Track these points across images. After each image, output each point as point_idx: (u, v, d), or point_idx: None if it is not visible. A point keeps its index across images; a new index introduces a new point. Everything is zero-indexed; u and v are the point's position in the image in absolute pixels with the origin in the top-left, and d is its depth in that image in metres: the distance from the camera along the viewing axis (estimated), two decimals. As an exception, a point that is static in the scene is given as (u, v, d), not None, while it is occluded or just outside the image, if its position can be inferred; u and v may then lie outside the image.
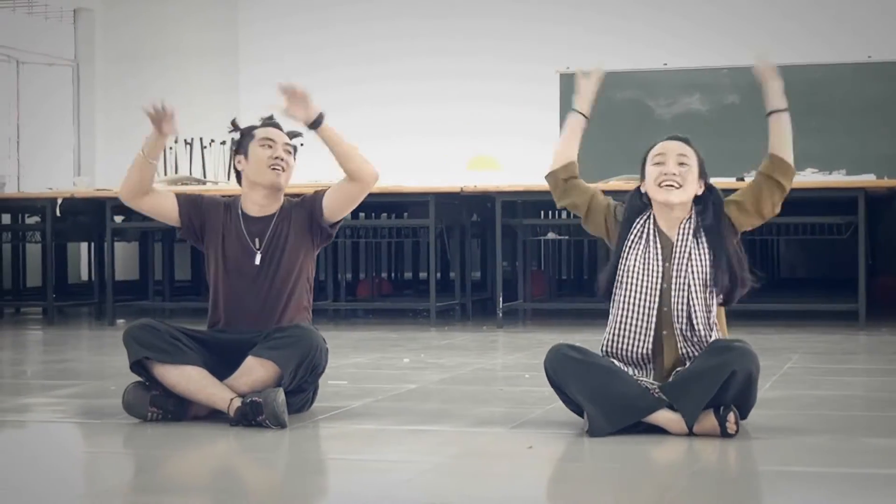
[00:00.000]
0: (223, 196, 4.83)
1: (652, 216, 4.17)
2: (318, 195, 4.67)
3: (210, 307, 4.69)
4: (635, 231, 4.16)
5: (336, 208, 4.65)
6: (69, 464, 3.99)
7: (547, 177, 4.37)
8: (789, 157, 4.22)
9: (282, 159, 4.59)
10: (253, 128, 4.69)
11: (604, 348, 4.14)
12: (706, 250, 4.09)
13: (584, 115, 4.39)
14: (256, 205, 4.64)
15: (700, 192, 4.14)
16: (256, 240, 4.60)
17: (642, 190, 4.18)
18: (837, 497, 3.21)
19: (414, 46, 11.67)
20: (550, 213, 10.23)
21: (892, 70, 10.60)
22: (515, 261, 9.36)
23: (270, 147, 4.59)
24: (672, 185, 4.09)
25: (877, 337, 7.55)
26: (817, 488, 3.32)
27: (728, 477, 3.62)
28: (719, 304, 4.10)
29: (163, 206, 4.67)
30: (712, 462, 3.68)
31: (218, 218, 4.66)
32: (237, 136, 4.73)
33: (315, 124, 4.48)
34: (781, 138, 4.24)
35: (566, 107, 12.04)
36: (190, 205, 4.68)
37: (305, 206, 4.66)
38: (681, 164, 4.12)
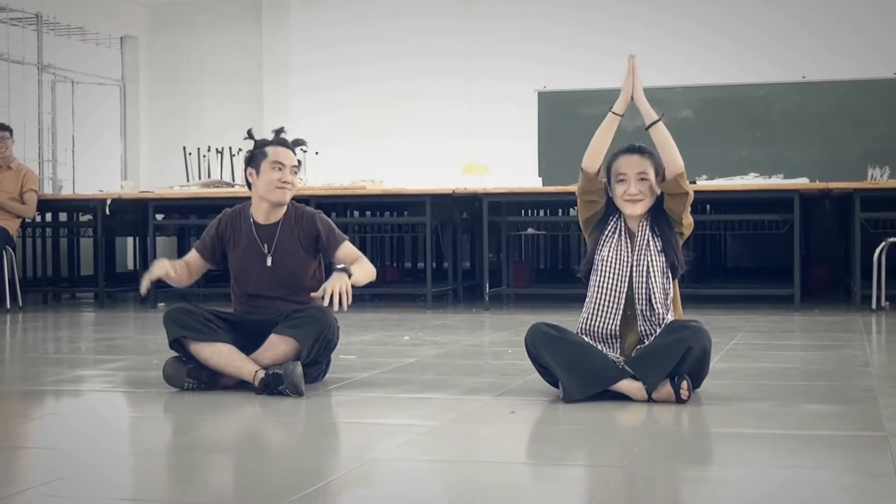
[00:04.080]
0: (232, 206, 4.78)
1: (621, 215, 4.17)
2: (331, 239, 4.56)
3: (232, 296, 4.69)
4: (609, 227, 4.17)
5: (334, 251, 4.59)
6: (117, 426, 4.00)
7: (582, 171, 4.15)
8: (677, 166, 4.04)
9: (289, 182, 4.55)
10: (265, 143, 4.63)
11: (580, 326, 4.14)
12: (659, 240, 4.11)
13: (617, 114, 4.14)
14: (264, 214, 4.62)
15: (659, 192, 4.13)
16: (266, 245, 4.58)
17: (610, 195, 4.17)
18: (776, 454, 3.22)
19: (419, 70, 11.71)
20: (530, 211, 10.24)
21: (823, 88, 10.63)
22: (500, 252, 9.36)
23: (280, 170, 4.55)
24: (635, 202, 4.09)
25: (810, 317, 7.56)
26: (759, 447, 3.32)
27: (683, 437, 3.62)
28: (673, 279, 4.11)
29: (199, 268, 4.73)
30: (669, 424, 3.68)
31: (231, 230, 4.66)
32: (251, 145, 4.68)
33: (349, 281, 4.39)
34: (665, 150, 4.05)
35: (543, 120, 12.15)
36: (209, 246, 4.69)
37: (313, 232, 4.57)
38: (641, 179, 4.08)
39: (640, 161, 4.11)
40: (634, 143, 4.17)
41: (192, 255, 4.74)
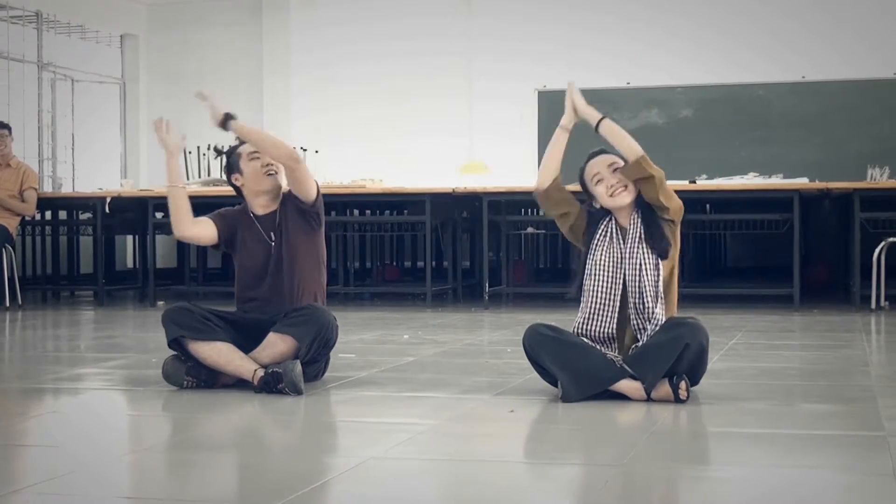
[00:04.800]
0: (232, 206, 4.81)
1: (612, 217, 4.18)
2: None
3: (238, 291, 4.69)
4: (600, 231, 4.18)
5: (298, 190, 4.60)
6: (116, 424, 4.00)
7: (536, 195, 4.27)
8: (634, 150, 4.06)
9: (272, 165, 4.59)
10: (234, 148, 4.70)
11: (575, 329, 4.14)
12: (647, 228, 4.11)
13: (566, 129, 4.24)
14: (262, 206, 4.65)
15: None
16: (272, 233, 4.61)
17: (595, 206, 4.18)
18: (776, 454, 3.21)
19: (419, 69, 11.71)
20: (530, 210, 10.23)
21: (823, 88, 10.62)
22: (500, 251, 9.36)
23: (258, 158, 4.59)
24: (620, 191, 4.10)
25: (809, 317, 7.55)
26: (758, 446, 3.31)
27: (681, 436, 3.61)
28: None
29: (206, 233, 4.65)
30: (668, 423, 3.68)
31: (239, 223, 4.67)
32: (224, 159, 4.74)
33: (225, 125, 4.47)
34: (618, 142, 4.11)
35: (544, 119, 12.16)
36: (223, 224, 4.68)
37: (296, 200, 4.64)
38: (615, 171, 4.11)
39: (607, 157, 4.17)
40: (592, 150, 4.21)
41: (204, 219, 4.71)
